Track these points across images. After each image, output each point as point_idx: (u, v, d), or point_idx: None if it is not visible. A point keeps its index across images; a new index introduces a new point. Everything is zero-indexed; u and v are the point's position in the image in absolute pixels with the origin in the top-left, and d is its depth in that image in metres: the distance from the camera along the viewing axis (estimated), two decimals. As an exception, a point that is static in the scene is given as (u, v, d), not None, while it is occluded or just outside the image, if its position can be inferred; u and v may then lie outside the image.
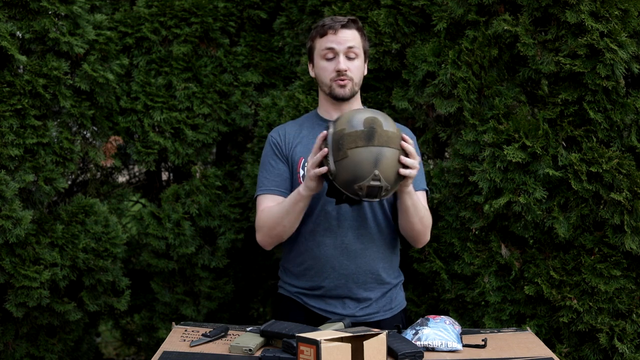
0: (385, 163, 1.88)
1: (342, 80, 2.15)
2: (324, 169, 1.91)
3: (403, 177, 1.94)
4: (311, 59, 2.23)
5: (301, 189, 2.03)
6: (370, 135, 1.88)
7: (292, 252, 2.23)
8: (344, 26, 2.16)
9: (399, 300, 2.27)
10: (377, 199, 1.92)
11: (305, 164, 2.17)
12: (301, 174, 2.17)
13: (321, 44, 2.17)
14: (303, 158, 2.18)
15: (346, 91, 2.17)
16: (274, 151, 2.22)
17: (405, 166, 1.91)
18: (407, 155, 1.92)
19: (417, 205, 2.10)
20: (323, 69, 2.17)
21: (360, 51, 2.19)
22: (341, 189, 1.93)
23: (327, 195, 1.99)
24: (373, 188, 1.89)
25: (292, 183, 2.20)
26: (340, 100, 2.19)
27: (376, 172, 1.87)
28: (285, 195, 2.16)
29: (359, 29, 2.20)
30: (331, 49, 2.15)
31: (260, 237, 2.18)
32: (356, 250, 2.16)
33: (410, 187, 2.04)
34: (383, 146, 1.88)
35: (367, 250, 2.17)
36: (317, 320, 2.12)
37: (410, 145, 1.93)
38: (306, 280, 2.19)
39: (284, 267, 2.29)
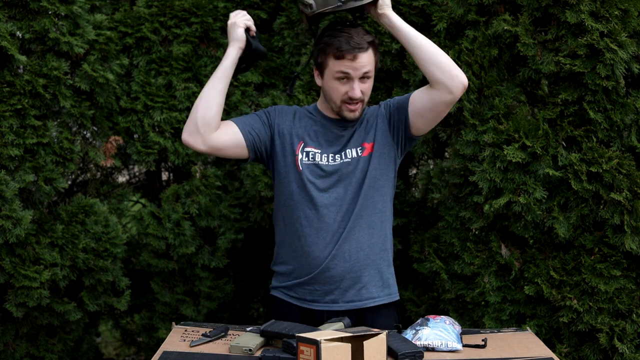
0: None
1: (353, 104, 2.13)
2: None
3: None
4: (321, 72, 2.17)
5: (229, 47, 2.14)
6: None
7: (284, 246, 2.22)
8: (362, 50, 2.09)
9: (392, 289, 2.26)
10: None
11: (305, 147, 2.17)
12: (299, 157, 2.17)
13: (335, 66, 2.10)
14: (303, 142, 2.18)
15: (356, 115, 2.15)
16: (265, 114, 2.22)
17: None
18: None
19: (416, 40, 2.12)
20: (334, 90, 2.13)
21: (373, 71, 2.14)
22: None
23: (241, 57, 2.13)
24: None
25: (286, 165, 2.19)
26: (349, 121, 2.18)
27: None
28: (246, 133, 2.16)
29: (373, 47, 2.14)
30: (346, 74, 2.10)
31: (186, 124, 2.13)
32: (349, 237, 2.14)
33: (396, 23, 2.12)
34: None
35: (362, 237, 2.16)
36: (312, 317, 2.12)
37: None
38: (299, 268, 2.18)
39: (277, 258, 2.28)
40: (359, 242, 2.16)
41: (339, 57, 2.08)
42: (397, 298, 2.28)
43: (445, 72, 2.06)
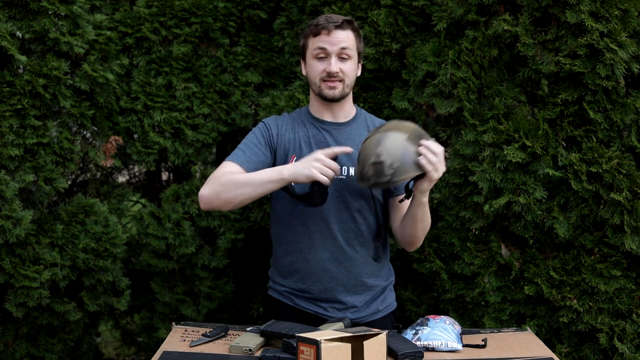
0: (388, 143, 1.93)
1: (332, 82, 2.11)
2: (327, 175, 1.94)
3: (421, 172, 1.94)
4: (304, 57, 2.20)
5: (285, 171, 1.98)
6: (379, 126, 2.01)
7: (282, 250, 2.21)
8: (338, 27, 2.10)
9: (388, 302, 2.25)
10: (388, 179, 1.92)
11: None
12: None
13: (313, 44, 2.12)
14: (295, 156, 2.16)
15: (335, 93, 2.12)
16: (264, 136, 2.18)
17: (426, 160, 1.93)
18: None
19: (426, 215, 2.11)
20: (313, 68, 2.13)
21: (353, 52, 2.14)
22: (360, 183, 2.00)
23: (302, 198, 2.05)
24: (377, 165, 1.92)
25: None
26: (329, 101, 2.15)
27: (378, 150, 1.92)
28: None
29: (354, 30, 2.15)
30: (323, 49, 2.10)
31: (207, 191, 2.04)
32: (346, 253, 2.14)
33: (426, 200, 2.05)
34: (388, 131, 1.95)
35: (357, 254, 2.15)
36: (308, 320, 2.12)
37: (432, 145, 1.94)
38: (294, 281, 2.18)
39: (274, 265, 2.28)
40: (357, 269, 2.16)
41: (316, 33, 2.12)
42: (394, 308, 2.27)
43: (410, 246, 2.21)
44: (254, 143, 2.16)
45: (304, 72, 2.21)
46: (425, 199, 2.05)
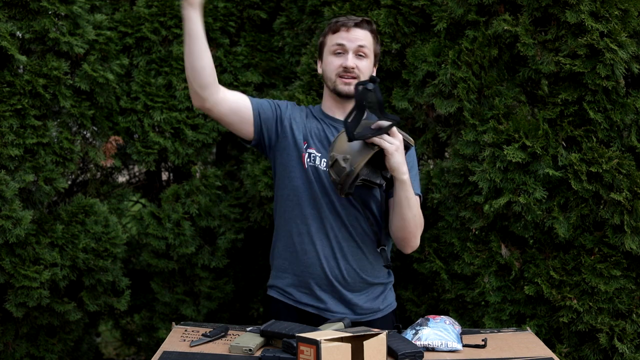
0: (334, 145, 2.00)
1: (348, 78, 2.13)
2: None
3: (376, 149, 1.94)
4: (320, 56, 2.23)
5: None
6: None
7: (282, 244, 2.22)
8: (357, 25, 2.15)
9: (389, 301, 2.25)
10: (348, 170, 1.94)
11: (308, 148, 2.17)
12: (306, 156, 2.16)
13: (332, 40, 2.16)
14: (307, 142, 2.18)
15: (351, 88, 2.13)
16: (276, 106, 2.21)
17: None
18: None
19: (412, 200, 2.06)
20: (330, 64, 2.16)
21: (370, 52, 2.17)
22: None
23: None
24: (333, 166, 1.99)
25: (293, 160, 2.18)
26: (344, 97, 2.16)
27: (329, 155, 2.01)
28: (255, 110, 2.15)
29: (372, 32, 2.18)
30: (341, 45, 2.13)
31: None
32: (345, 249, 2.15)
33: (405, 177, 2.01)
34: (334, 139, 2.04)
35: (357, 250, 2.16)
36: (309, 319, 2.12)
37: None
38: (294, 277, 2.19)
39: (273, 260, 2.28)
40: (356, 264, 2.16)
41: (335, 30, 2.16)
42: (394, 307, 2.27)
43: (405, 243, 2.15)
44: (268, 101, 2.22)
45: (319, 71, 2.24)
46: (404, 176, 2.01)
